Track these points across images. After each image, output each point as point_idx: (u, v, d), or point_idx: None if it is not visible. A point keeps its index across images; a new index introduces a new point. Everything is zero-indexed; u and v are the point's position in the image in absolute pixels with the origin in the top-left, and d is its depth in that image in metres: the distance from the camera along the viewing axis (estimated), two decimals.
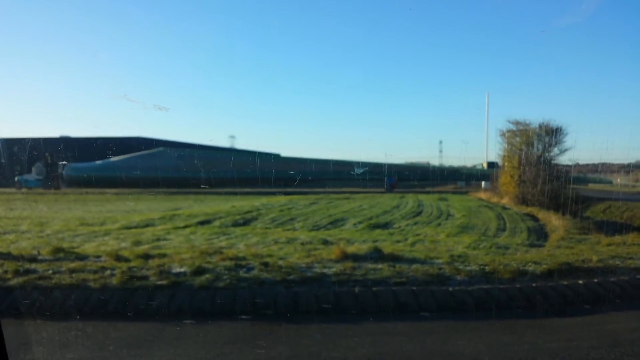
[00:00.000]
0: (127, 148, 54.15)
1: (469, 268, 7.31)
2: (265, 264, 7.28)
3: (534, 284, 6.52)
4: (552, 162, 27.10)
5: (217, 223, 14.89)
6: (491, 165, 38.91)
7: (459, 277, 6.83)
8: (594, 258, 7.98)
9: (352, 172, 50.28)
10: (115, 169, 46.81)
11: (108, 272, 6.90)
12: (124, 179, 45.22)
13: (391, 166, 52.99)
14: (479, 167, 56.97)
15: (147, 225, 14.03)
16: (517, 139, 27.62)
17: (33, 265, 7.29)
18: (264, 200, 27.12)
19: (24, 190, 42.39)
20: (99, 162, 49.72)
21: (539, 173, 25.75)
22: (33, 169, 46.48)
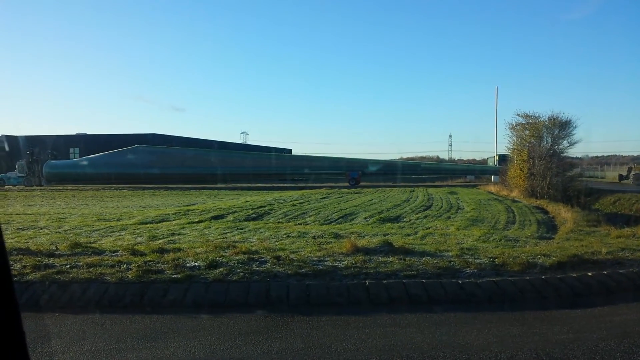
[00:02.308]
0: (143, 144, 54.51)
1: (478, 260, 7.37)
2: (278, 258, 7.38)
3: (543, 276, 6.57)
4: (562, 154, 26.99)
5: (230, 218, 15.05)
6: (503, 158, 38.78)
7: (468, 270, 6.90)
8: (604, 250, 8.00)
9: (317, 168, 50.55)
10: (94, 166, 47.02)
11: (125, 266, 7.04)
12: (102, 175, 45.53)
13: (358, 161, 53.32)
14: (491, 160, 56.74)
15: (162, 221, 14.21)
16: (527, 132, 27.53)
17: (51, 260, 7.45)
18: (276, 194, 27.23)
19: (5, 187, 42.55)
20: (77, 159, 49.99)
21: (548, 166, 25.65)
22: (16, 167, 46.76)
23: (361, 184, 45.15)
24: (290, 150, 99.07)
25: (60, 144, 58.06)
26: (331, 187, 38.36)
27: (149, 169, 46.07)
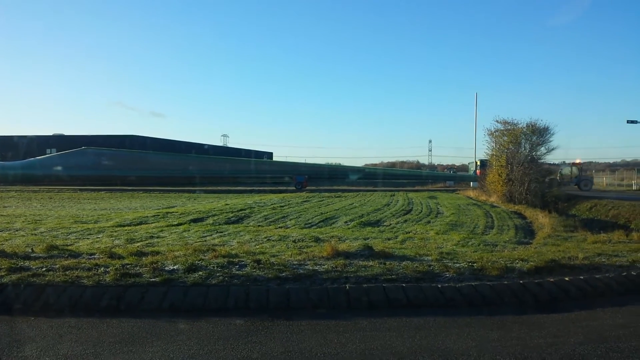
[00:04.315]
0: (121, 146, 54.05)
1: (457, 265, 7.42)
2: (258, 262, 7.34)
3: (521, 281, 6.62)
4: (539, 161, 27.40)
5: (210, 221, 14.95)
6: (484, 163, 39.22)
7: (448, 274, 6.93)
8: (580, 255, 8.11)
9: (262, 172, 51.04)
10: (38, 167, 46.52)
11: (102, 269, 6.94)
12: (46, 177, 45.05)
13: (306, 166, 54.11)
14: (471, 165, 57.40)
15: (140, 223, 14.06)
16: (505, 138, 27.89)
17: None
18: (256, 197, 27.14)
19: None
20: (20, 161, 49.43)
21: (526, 172, 26.01)
22: None
23: (307, 187, 45.50)
24: (271, 154, 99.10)
25: (34, 145, 57.22)
26: (280, 192, 38.00)
27: (97, 171, 45.84)
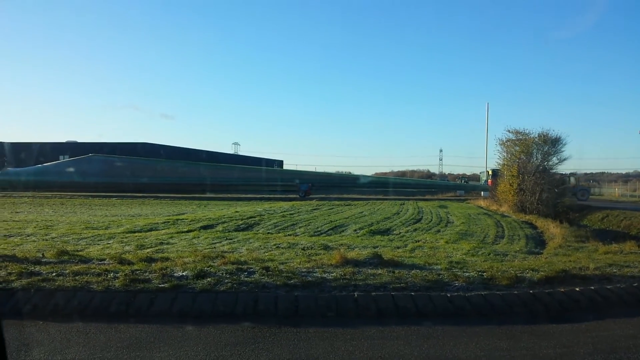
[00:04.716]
0: (133, 152, 54.47)
1: (467, 274, 7.37)
2: (267, 269, 7.34)
3: (531, 291, 6.57)
4: (551, 171, 27.23)
5: (219, 228, 14.98)
6: (495, 172, 39.06)
7: (457, 283, 6.90)
8: (591, 266, 8.04)
9: (272, 180, 51.13)
10: (46, 174, 46.88)
11: (111, 274, 6.98)
12: (54, 183, 45.37)
13: (308, 174, 54.21)
14: (483, 175, 57.24)
15: (151, 230, 14.11)
16: (517, 148, 27.76)
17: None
18: (266, 205, 27.20)
19: None
20: (32, 167, 49.84)
21: (537, 182, 25.85)
22: None
23: (311, 195, 45.45)
24: (281, 162, 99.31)
25: (48, 152, 57.85)
26: (282, 200, 37.88)
27: (104, 178, 46.20)
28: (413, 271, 7.51)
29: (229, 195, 43.80)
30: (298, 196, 44.55)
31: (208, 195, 42.39)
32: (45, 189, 44.59)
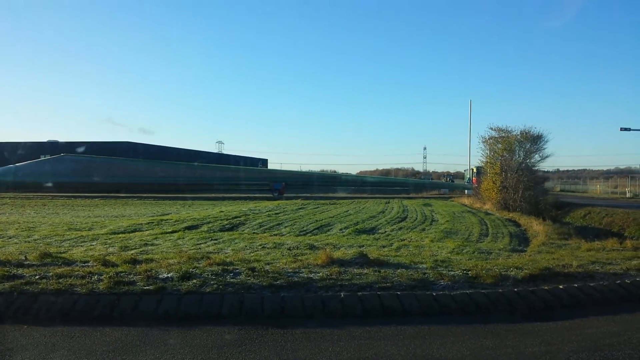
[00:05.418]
0: (112, 152, 53.94)
1: (452, 273, 7.42)
2: (252, 269, 7.32)
3: (515, 289, 6.63)
4: (533, 168, 27.52)
5: (204, 228, 14.91)
6: (479, 170, 39.33)
7: (442, 282, 6.94)
8: (574, 263, 8.14)
9: (245, 179, 51.03)
10: (17, 174, 46.24)
11: (95, 277, 6.90)
12: (27, 184, 44.76)
13: (289, 173, 54.37)
14: (467, 172, 57.55)
15: (135, 231, 14.01)
16: (499, 145, 28.00)
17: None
18: (251, 205, 27.11)
19: None
20: (3, 167, 49.17)
21: (520, 179, 26.09)
22: None
23: (285, 195, 45.42)
24: (266, 161, 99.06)
25: (28, 152, 57.03)
26: (255, 199, 37.69)
27: (75, 178, 45.68)
28: (399, 270, 7.54)
29: (213, 195, 43.53)
30: (272, 195, 44.40)
31: (187, 195, 42.02)
32: (18, 190, 43.85)
